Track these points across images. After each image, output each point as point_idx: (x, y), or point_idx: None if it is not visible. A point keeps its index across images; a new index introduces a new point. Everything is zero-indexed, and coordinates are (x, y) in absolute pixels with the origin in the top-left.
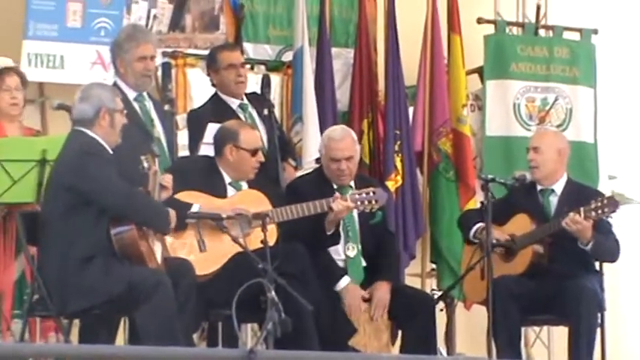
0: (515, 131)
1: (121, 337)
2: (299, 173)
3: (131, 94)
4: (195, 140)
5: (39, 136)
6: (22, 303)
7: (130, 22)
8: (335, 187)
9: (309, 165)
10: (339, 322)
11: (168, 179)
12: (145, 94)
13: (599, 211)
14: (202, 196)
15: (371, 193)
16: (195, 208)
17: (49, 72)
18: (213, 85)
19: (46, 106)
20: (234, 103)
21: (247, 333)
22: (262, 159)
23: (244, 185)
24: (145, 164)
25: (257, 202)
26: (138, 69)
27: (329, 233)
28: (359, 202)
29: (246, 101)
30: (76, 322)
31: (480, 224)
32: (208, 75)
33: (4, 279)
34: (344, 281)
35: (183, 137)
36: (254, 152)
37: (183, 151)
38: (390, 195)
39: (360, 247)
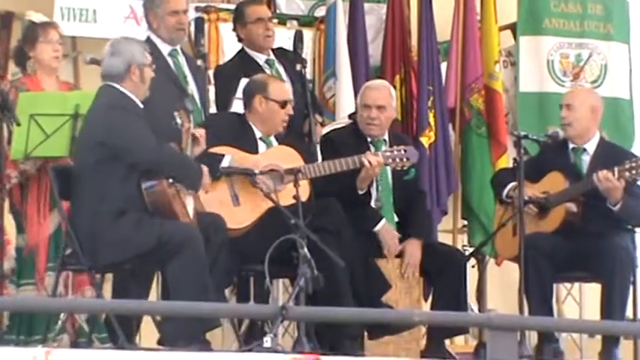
0: (549, 87)
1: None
2: (328, 127)
3: (165, 49)
4: (222, 95)
5: (73, 91)
6: (56, 257)
7: None
8: (369, 140)
9: (342, 120)
10: (372, 278)
11: (201, 132)
12: (178, 49)
13: (633, 172)
14: (235, 151)
15: (402, 151)
16: (226, 160)
17: (81, 26)
18: (240, 40)
19: (78, 60)
20: (260, 58)
21: (279, 289)
22: (291, 112)
23: (274, 141)
24: (179, 120)
25: (289, 158)
26: (171, 23)
27: (361, 192)
28: (390, 160)
29: (272, 56)
30: (109, 276)
31: (513, 183)
32: (234, 30)
33: (39, 232)
34: (381, 223)
35: (212, 92)
36: (283, 104)
37: (212, 107)
38: (424, 151)
39: (391, 202)
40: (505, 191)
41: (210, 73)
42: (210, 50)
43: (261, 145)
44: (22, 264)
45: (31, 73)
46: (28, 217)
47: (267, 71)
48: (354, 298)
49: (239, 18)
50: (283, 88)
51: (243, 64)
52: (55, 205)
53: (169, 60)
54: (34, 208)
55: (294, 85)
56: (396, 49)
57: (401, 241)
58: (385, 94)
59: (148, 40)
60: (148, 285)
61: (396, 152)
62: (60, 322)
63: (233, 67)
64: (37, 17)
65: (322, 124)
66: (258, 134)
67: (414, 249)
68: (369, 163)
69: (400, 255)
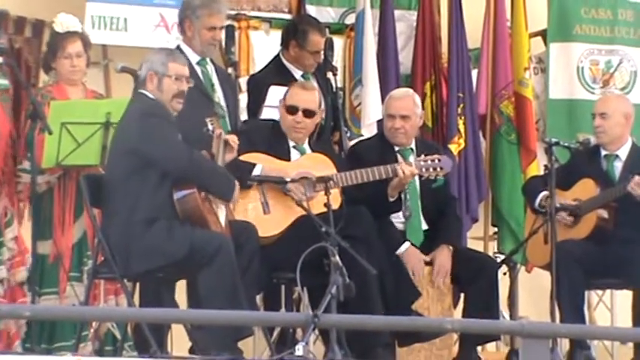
0: (579, 94)
1: (180, 299)
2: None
3: (194, 58)
4: (255, 104)
5: (103, 99)
6: (79, 266)
7: None
8: (396, 149)
9: (368, 128)
10: (402, 285)
11: (234, 139)
12: (207, 58)
13: None
14: (268, 158)
15: (436, 160)
16: (257, 169)
17: (112, 34)
18: (285, 49)
19: (109, 68)
20: (297, 72)
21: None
22: (299, 119)
23: (307, 149)
24: (210, 126)
25: (322, 165)
26: (206, 37)
27: (392, 199)
28: (424, 169)
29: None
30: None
31: (545, 192)
32: (287, 41)
33: (63, 241)
34: (404, 246)
35: (244, 100)
36: (291, 110)
37: (243, 114)
38: (454, 159)
39: (419, 210)
40: (537, 200)
41: (241, 80)
42: (240, 58)
43: (294, 153)
44: (45, 272)
45: (54, 84)
46: (54, 225)
47: None
48: (383, 305)
49: (298, 37)
50: (300, 95)
51: (278, 73)
52: (79, 214)
53: (197, 69)
54: (58, 216)
55: (326, 97)
56: (426, 56)
57: (431, 248)
58: (408, 103)
59: (178, 48)
60: (173, 291)
61: (430, 162)
62: (92, 331)
63: (267, 76)
64: (64, 23)
65: (349, 138)
66: (291, 142)
67: (443, 257)
68: (403, 172)
69: (431, 263)
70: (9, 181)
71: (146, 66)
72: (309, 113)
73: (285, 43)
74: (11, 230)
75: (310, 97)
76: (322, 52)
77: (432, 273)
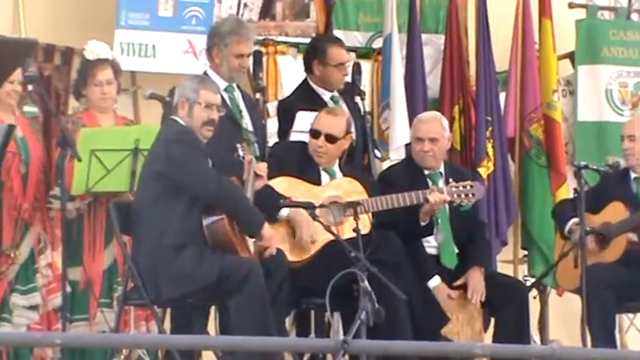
0: (608, 116)
1: (212, 324)
2: (386, 162)
3: (221, 85)
4: (284, 129)
5: (132, 126)
6: (110, 292)
7: (232, 15)
8: (426, 173)
9: (396, 152)
10: (431, 311)
11: (262, 167)
12: (234, 85)
13: None
14: (299, 182)
15: (468, 187)
16: (284, 212)
17: (140, 61)
18: (309, 72)
19: (138, 95)
20: (326, 95)
21: (338, 321)
22: (321, 144)
23: (338, 172)
24: (241, 152)
25: (353, 190)
26: (234, 64)
27: (424, 224)
28: (455, 195)
29: (336, 93)
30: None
31: (575, 219)
32: (308, 63)
33: (94, 268)
34: (434, 281)
35: (273, 125)
36: (314, 134)
37: (273, 139)
38: (483, 182)
39: (450, 233)
40: (567, 227)
41: (269, 106)
42: (268, 83)
43: (324, 176)
44: (76, 299)
45: (85, 110)
46: (84, 251)
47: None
48: (412, 331)
49: (319, 56)
50: (325, 120)
51: (307, 97)
52: (109, 241)
53: (225, 95)
54: (88, 242)
55: (356, 121)
56: (454, 80)
57: (461, 272)
58: (437, 126)
59: (205, 74)
60: (206, 318)
61: (461, 188)
62: (123, 358)
63: (295, 100)
64: (95, 51)
65: (381, 160)
66: (321, 165)
67: (476, 279)
68: (434, 199)
69: (463, 286)
70: (42, 207)
71: (178, 92)
72: (331, 138)
73: (308, 67)
74: (44, 257)
75: (334, 122)
76: (347, 67)
77: (467, 294)
